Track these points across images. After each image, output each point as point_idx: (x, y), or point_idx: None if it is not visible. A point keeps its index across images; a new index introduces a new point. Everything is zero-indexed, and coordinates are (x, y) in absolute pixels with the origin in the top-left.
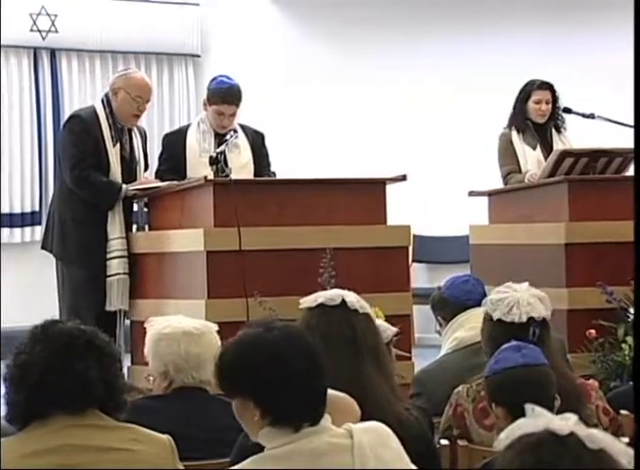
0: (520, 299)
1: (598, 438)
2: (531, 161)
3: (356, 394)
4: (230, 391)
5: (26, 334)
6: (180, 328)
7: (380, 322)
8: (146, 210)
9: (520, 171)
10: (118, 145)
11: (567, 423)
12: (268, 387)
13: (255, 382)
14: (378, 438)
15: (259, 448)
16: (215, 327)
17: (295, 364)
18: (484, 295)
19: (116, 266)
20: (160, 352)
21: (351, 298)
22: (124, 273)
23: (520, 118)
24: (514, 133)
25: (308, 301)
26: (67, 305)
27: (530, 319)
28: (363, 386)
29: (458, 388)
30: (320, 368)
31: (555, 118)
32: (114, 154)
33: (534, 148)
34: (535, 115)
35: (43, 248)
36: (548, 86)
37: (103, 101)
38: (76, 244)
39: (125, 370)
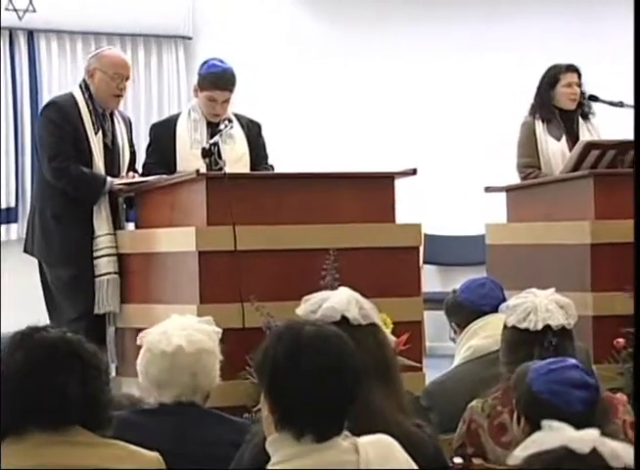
0: (538, 305)
1: (622, 455)
2: (554, 154)
3: (363, 418)
4: (258, 379)
5: (5, 342)
6: (171, 342)
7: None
8: (125, 206)
9: (539, 166)
10: (100, 133)
11: (587, 439)
12: (279, 380)
13: (271, 373)
14: (384, 451)
15: (257, 464)
16: (216, 331)
17: (311, 365)
18: (503, 300)
19: (105, 265)
20: (149, 367)
21: (353, 312)
22: (114, 273)
23: (545, 106)
24: (538, 122)
25: (304, 311)
26: (51, 309)
27: (547, 327)
28: (370, 409)
29: (472, 402)
30: (342, 380)
31: (581, 105)
32: (95, 142)
33: (559, 139)
34: (566, 100)
35: (25, 251)
36: (575, 69)
37: (81, 86)
38: (59, 243)
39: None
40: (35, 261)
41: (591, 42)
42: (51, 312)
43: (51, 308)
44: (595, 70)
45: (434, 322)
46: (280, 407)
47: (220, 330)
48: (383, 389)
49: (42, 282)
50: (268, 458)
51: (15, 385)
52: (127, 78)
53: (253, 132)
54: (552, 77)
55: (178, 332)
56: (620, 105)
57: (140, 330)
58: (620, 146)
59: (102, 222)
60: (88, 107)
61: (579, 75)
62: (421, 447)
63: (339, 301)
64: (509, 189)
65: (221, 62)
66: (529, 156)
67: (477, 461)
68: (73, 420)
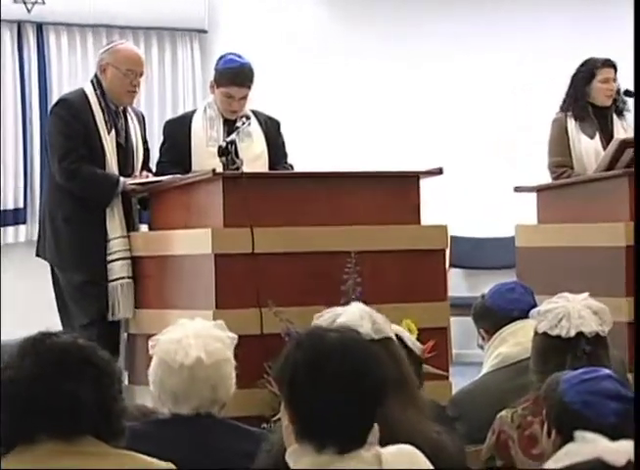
0: (570, 310)
1: None
2: (587, 152)
3: (382, 431)
4: (277, 387)
5: (15, 347)
6: (189, 354)
7: (408, 338)
8: (139, 207)
9: (571, 165)
10: (113, 131)
11: (623, 451)
12: (300, 389)
13: (291, 381)
14: (407, 461)
15: None
16: (231, 336)
17: (334, 373)
18: (533, 305)
19: (119, 269)
20: (165, 379)
21: (366, 327)
22: (128, 277)
23: (579, 103)
24: (570, 120)
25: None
26: (62, 315)
27: (580, 334)
28: (388, 423)
29: (502, 412)
30: (366, 389)
31: (615, 102)
32: (108, 141)
33: (592, 137)
34: (602, 96)
35: (37, 255)
36: (612, 64)
37: (93, 82)
38: (71, 246)
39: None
40: (47, 265)
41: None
42: (63, 318)
43: (63, 314)
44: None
45: (461, 328)
46: (300, 417)
47: (235, 336)
48: (400, 402)
49: (54, 287)
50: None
51: (24, 391)
52: (141, 74)
53: (272, 130)
54: (588, 72)
55: (194, 341)
56: None
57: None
58: None
59: (115, 225)
60: (100, 104)
61: (616, 70)
62: (443, 455)
63: (351, 316)
64: (540, 189)
65: (239, 56)
66: (561, 154)
67: None
68: (85, 430)
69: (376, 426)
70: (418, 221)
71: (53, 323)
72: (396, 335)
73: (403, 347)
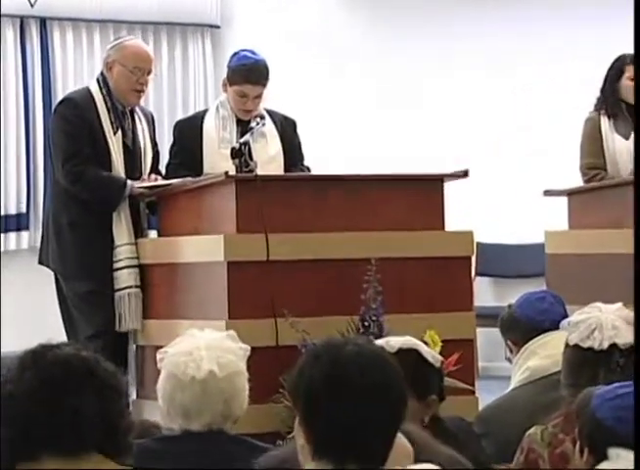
0: (603, 321)
1: None
2: (622, 153)
3: None
4: (292, 403)
5: (15, 360)
6: (201, 367)
7: (425, 349)
8: (147, 212)
9: (604, 167)
10: (120, 132)
11: None
12: (316, 406)
13: (307, 397)
14: None
15: None
16: (243, 348)
17: (353, 389)
18: (564, 315)
19: (127, 278)
20: (175, 394)
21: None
22: (136, 286)
23: (611, 100)
24: (603, 119)
25: None
26: (67, 325)
27: (613, 346)
28: (410, 441)
29: (531, 429)
30: (387, 406)
31: None
32: (114, 143)
33: (627, 137)
34: (629, 94)
35: (40, 263)
36: None
37: (99, 81)
38: (75, 253)
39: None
40: (51, 273)
41: None
42: (67, 329)
43: (67, 324)
44: None
45: (488, 340)
46: (317, 436)
47: (248, 347)
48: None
49: (58, 296)
50: None
51: (25, 407)
52: (149, 72)
53: (288, 130)
54: (617, 69)
55: (205, 354)
56: None
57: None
58: None
59: (122, 231)
60: (106, 103)
61: None
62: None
63: None
64: (571, 192)
65: (253, 53)
66: (594, 156)
67: None
68: (90, 446)
69: (409, 447)
70: (442, 227)
71: (57, 334)
72: (412, 348)
73: (421, 360)
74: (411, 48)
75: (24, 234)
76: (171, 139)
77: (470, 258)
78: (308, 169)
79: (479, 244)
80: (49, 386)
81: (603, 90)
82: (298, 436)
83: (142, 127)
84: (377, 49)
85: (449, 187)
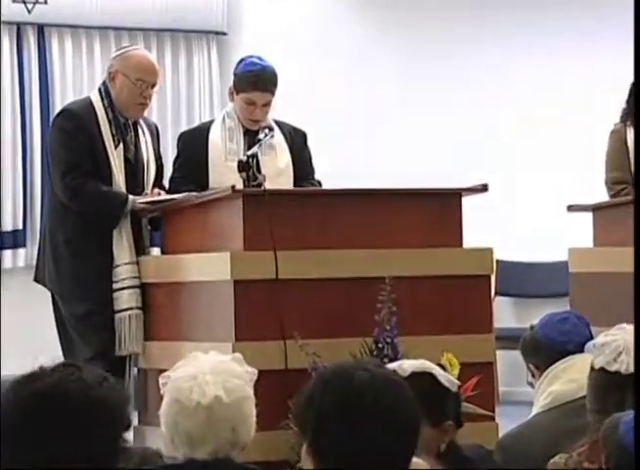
0: (630, 343)
1: None
2: None
3: None
4: (299, 430)
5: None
6: (206, 392)
7: (440, 372)
8: (150, 228)
9: (631, 181)
10: (121, 145)
11: None
12: (325, 434)
13: (315, 426)
14: None
15: None
16: (250, 371)
17: (364, 418)
18: (589, 337)
19: (127, 299)
20: (179, 420)
21: None
22: (137, 308)
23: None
24: (630, 130)
25: None
26: (65, 347)
27: None
28: None
29: (554, 457)
30: (400, 435)
31: None
32: (115, 156)
33: None
34: None
35: (36, 281)
36: None
37: (100, 90)
38: (73, 272)
39: (131, 432)
40: (48, 292)
41: None
42: (65, 350)
43: (65, 346)
44: None
45: (509, 363)
46: (327, 465)
47: (255, 371)
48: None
49: (55, 316)
50: None
51: (6, 443)
52: (154, 85)
53: (298, 142)
54: None
55: (211, 378)
56: None
57: None
58: None
59: (122, 248)
60: (107, 115)
61: None
62: None
63: None
64: (596, 208)
65: (260, 59)
66: (620, 169)
67: None
68: None
69: None
70: (460, 244)
71: (54, 354)
72: (425, 371)
73: (436, 384)
74: (428, 58)
75: (21, 251)
76: (175, 151)
77: (489, 277)
78: (319, 184)
79: (498, 261)
80: (26, 424)
81: (628, 101)
82: (306, 464)
83: (145, 140)
84: (391, 55)
85: (467, 202)
